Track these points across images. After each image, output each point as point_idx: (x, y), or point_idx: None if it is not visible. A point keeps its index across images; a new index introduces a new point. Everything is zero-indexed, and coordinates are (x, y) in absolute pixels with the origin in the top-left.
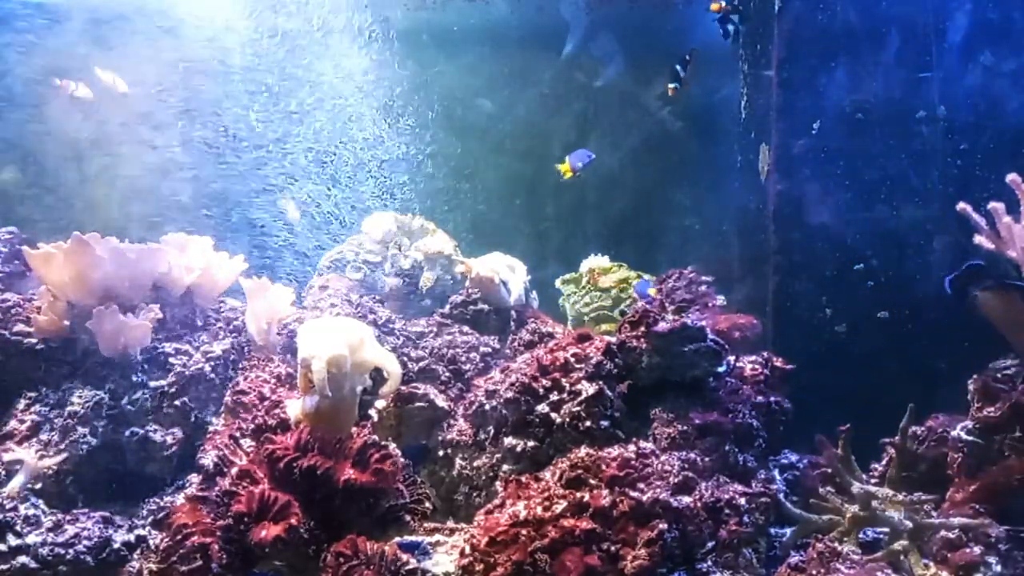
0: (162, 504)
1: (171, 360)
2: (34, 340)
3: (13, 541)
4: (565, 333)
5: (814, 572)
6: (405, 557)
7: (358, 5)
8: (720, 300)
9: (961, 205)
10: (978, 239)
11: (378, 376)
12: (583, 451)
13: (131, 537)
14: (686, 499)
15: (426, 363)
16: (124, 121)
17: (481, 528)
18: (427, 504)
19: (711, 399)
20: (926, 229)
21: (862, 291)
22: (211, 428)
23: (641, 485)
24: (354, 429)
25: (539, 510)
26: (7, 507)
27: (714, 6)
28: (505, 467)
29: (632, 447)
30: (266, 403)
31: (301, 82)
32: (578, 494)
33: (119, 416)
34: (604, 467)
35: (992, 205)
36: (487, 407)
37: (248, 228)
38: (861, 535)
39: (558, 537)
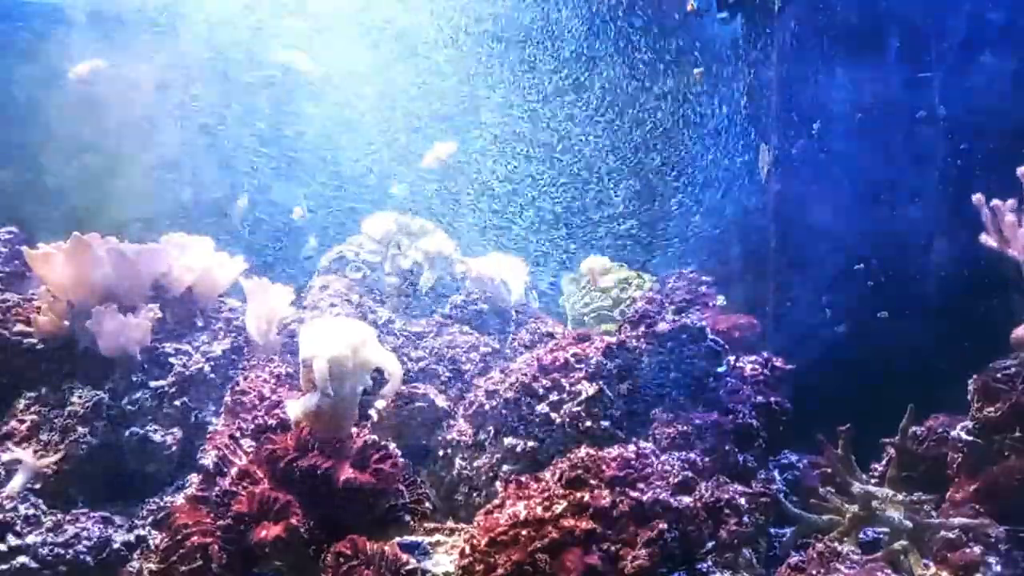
0: (162, 504)
1: (171, 360)
2: (34, 340)
3: (13, 541)
4: (565, 333)
5: (814, 572)
6: (405, 557)
7: None
8: (720, 300)
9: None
10: (983, 237)
11: (379, 376)
12: (583, 451)
13: (131, 537)
14: (686, 499)
15: (426, 363)
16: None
17: (481, 528)
18: (427, 504)
19: (711, 399)
20: (926, 229)
21: (862, 291)
22: (211, 428)
23: (641, 485)
24: (354, 429)
25: (539, 510)
26: (7, 507)
27: (689, 6)
28: (505, 467)
29: (632, 447)
30: (266, 403)
31: None
32: (578, 494)
33: (119, 416)
34: (604, 467)
35: (995, 203)
36: (487, 407)
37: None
38: (861, 535)
39: (558, 537)
